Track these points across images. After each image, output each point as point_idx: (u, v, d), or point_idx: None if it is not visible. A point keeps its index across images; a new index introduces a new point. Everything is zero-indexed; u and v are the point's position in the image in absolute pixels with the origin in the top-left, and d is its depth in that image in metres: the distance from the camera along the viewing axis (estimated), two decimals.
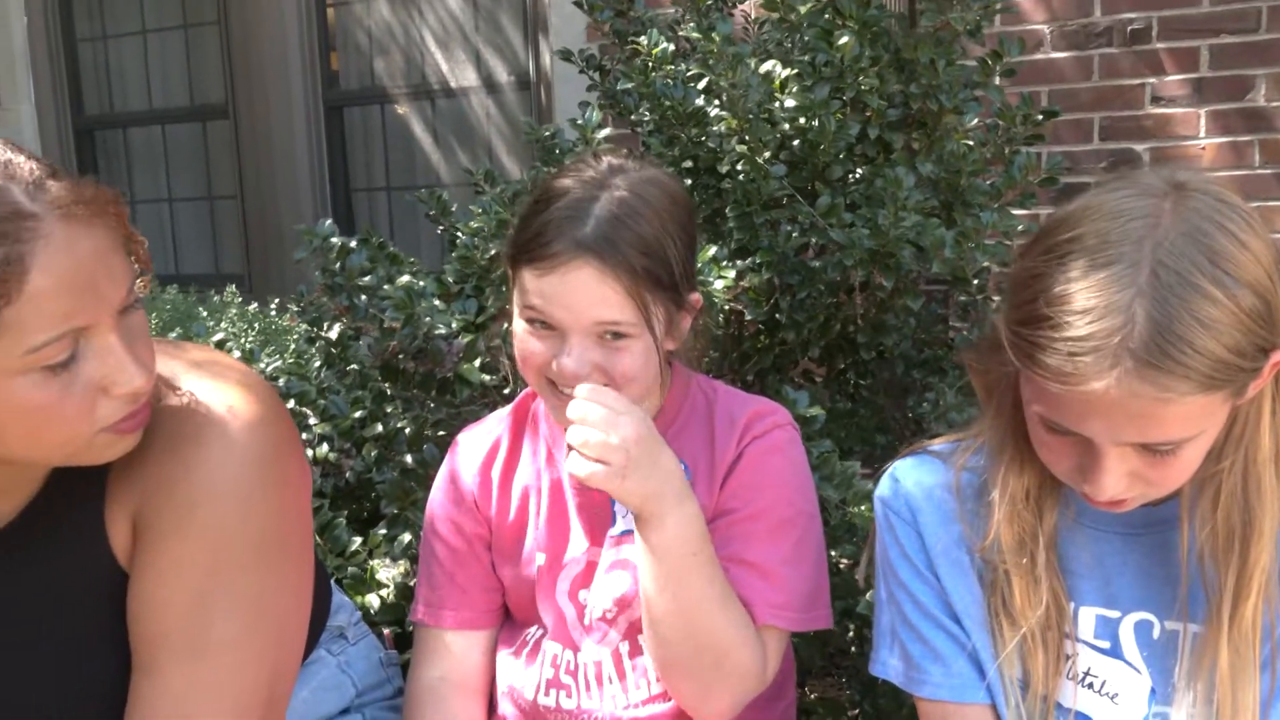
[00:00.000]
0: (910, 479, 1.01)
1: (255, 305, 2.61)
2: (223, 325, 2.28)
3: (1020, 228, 1.64)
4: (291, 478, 0.92)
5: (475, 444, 1.23)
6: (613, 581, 1.15)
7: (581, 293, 1.02)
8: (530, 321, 1.07)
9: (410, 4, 4.12)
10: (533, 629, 1.21)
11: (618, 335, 1.04)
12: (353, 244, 1.56)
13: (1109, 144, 2.77)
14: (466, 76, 4.03)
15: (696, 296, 1.15)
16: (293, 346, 2.24)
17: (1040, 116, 1.79)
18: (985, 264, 1.52)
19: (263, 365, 1.85)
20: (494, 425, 1.25)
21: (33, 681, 0.87)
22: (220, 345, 1.87)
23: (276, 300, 2.85)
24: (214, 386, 0.90)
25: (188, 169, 4.75)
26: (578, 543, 1.17)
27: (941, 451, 1.02)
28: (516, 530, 1.19)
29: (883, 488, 1.03)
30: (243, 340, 2.30)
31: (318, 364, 1.96)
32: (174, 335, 1.85)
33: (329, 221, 1.55)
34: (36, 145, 4.79)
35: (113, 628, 0.87)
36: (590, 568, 1.17)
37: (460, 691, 1.19)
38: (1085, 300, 0.77)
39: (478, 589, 1.20)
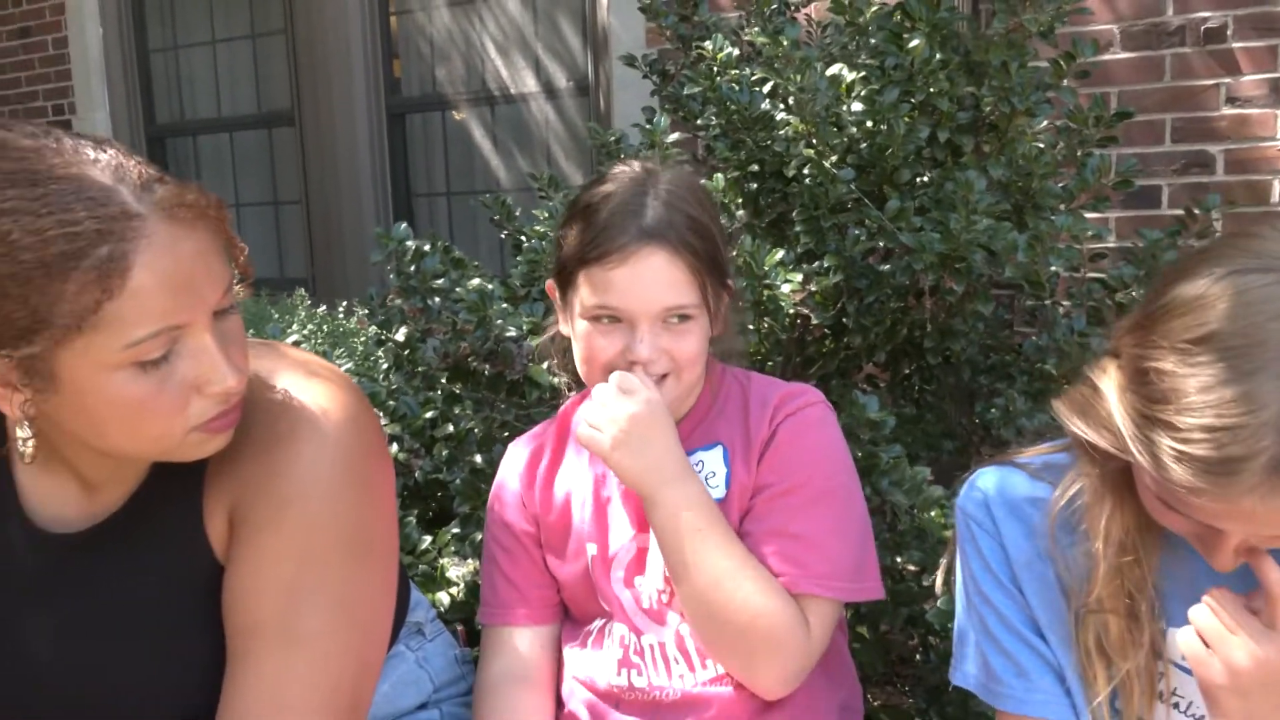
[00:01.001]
0: (993, 489, 0.98)
1: (323, 308, 2.67)
2: (293, 328, 2.33)
3: (1091, 232, 1.62)
4: (378, 477, 0.94)
5: (522, 450, 1.29)
6: (660, 564, 1.17)
7: (652, 279, 1.09)
8: (595, 320, 1.12)
9: (471, 10, 4.18)
10: (597, 621, 1.24)
11: (682, 318, 1.11)
12: (427, 247, 1.60)
13: (1182, 145, 2.71)
14: (526, 82, 4.07)
15: (732, 283, 1.21)
16: (360, 349, 2.28)
17: (1113, 118, 1.76)
18: (1057, 269, 1.50)
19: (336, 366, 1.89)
20: (539, 432, 1.30)
21: (133, 667, 0.90)
22: (296, 346, 1.91)
23: (344, 303, 2.91)
24: (308, 386, 0.93)
25: (254, 175, 4.86)
26: (623, 530, 1.20)
27: (1028, 465, 0.99)
28: (563, 526, 1.23)
29: (964, 497, 1.01)
30: (313, 342, 2.36)
31: (385, 366, 2.00)
32: (251, 334, 1.90)
33: (404, 225, 1.59)
34: None
35: (209, 617, 0.90)
36: (640, 554, 1.20)
37: (524, 686, 1.22)
38: (1228, 415, 0.70)
39: (532, 585, 1.24)
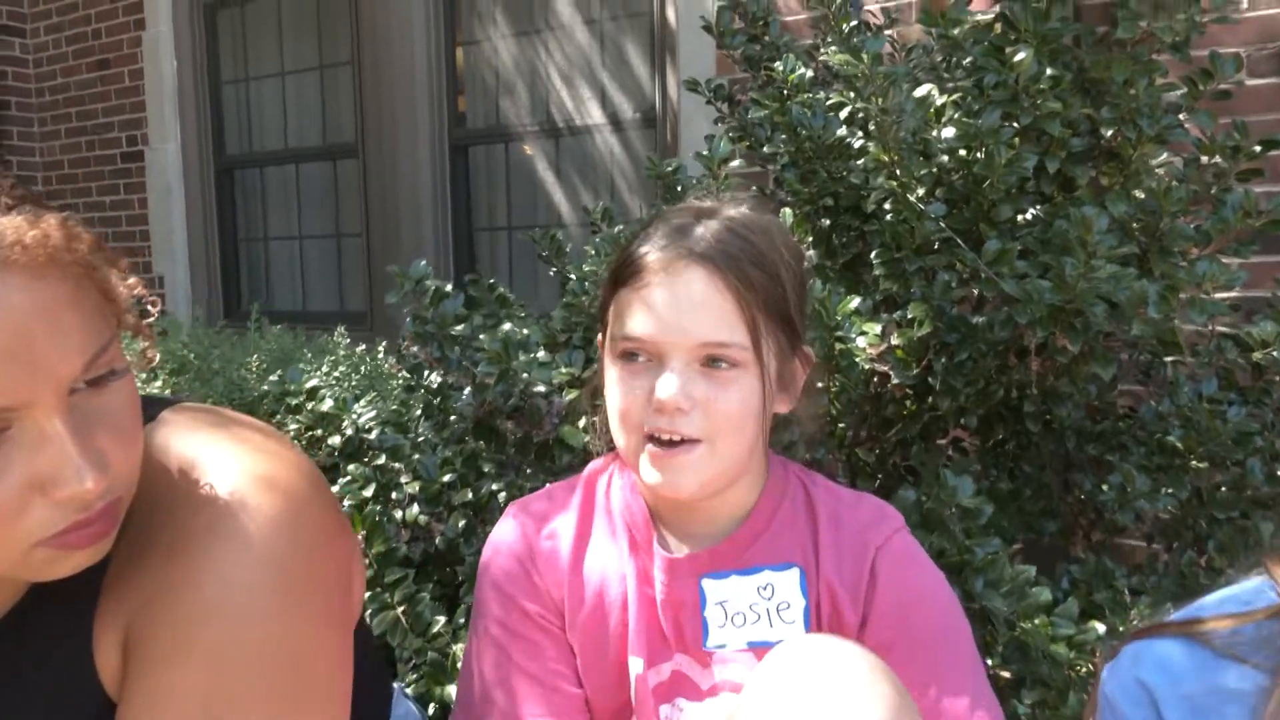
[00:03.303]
0: (1160, 669, 0.70)
1: (363, 346, 2.51)
2: (322, 369, 2.18)
3: (1240, 280, 1.34)
4: (324, 589, 0.73)
5: (534, 518, 1.04)
6: (714, 710, 0.95)
7: (687, 303, 0.90)
8: (626, 358, 0.93)
9: (537, 40, 4.05)
10: None
11: (724, 362, 0.90)
12: (448, 288, 1.40)
13: None
14: (591, 113, 3.91)
15: (810, 351, 1.02)
16: (395, 392, 2.10)
17: (1258, 148, 1.48)
18: (1203, 325, 1.23)
19: (356, 414, 1.71)
20: (556, 497, 1.07)
21: None
22: (313, 392, 1.74)
23: (384, 343, 2.75)
24: (240, 468, 0.72)
25: (318, 207, 4.80)
26: (665, 649, 0.97)
27: (1211, 635, 0.69)
28: (596, 628, 0.99)
29: (1115, 676, 0.73)
30: (346, 384, 2.19)
31: (418, 413, 1.81)
32: (273, 378, 1.73)
33: (423, 262, 1.40)
34: (180, 183, 4.94)
35: None
36: (679, 680, 0.97)
37: None
38: None
39: (566, 686, 0.99)
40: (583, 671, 1.00)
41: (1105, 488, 1.62)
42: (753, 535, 0.97)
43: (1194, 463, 1.61)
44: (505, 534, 1.04)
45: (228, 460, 0.73)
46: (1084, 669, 1.27)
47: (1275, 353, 1.61)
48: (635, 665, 0.98)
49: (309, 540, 0.72)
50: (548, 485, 1.10)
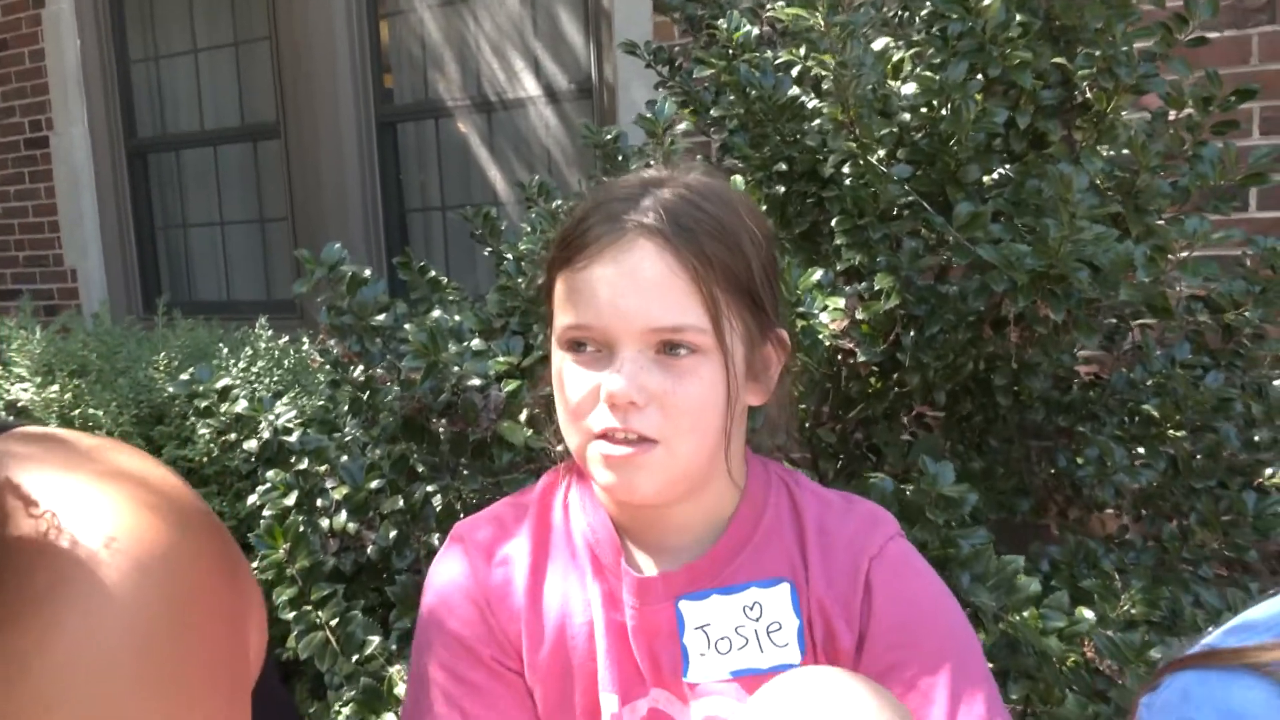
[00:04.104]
0: (1208, 709, 0.57)
1: (285, 338, 2.33)
2: (239, 365, 2.01)
3: (1219, 236, 1.25)
4: (205, 655, 0.59)
5: (480, 544, 0.91)
6: None
7: (636, 283, 0.78)
8: (573, 347, 0.82)
9: (465, 10, 3.86)
10: None
11: (682, 348, 0.79)
12: (366, 273, 1.25)
13: (1272, 138, 2.34)
14: (525, 85, 3.74)
15: (784, 334, 0.89)
16: (322, 388, 1.94)
17: (1233, 99, 1.40)
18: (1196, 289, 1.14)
19: (274, 415, 1.55)
20: (504, 517, 0.93)
21: None
22: (225, 392, 1.58)
23: (310, 334, 2.58)
24: (95, 516, 0.58)
25: (239, 191, 4.56)
26: (640, 683, 0.85)
27: (1274, 667, 0.56)
28: (560, 667, 0.86)
29: (1165, 708, 0.60)
30: (267, 380, 2.03)
31: (346, 408, 1.66)
32: (184, 376, 1.57)
33: (337, 245, 1.24)
34: (89, 170, 4.66)
35: None
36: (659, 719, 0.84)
37: None
38: None
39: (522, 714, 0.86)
40: (546, 718, 0.87)
41: (1080, 461, 1.54)
42: (734, 548, 0.85)
43: (1170, 431, 1.54)
44: (449, 568, 0.90)
45: (83, 502, 0.58)
46: (1074, 659, 1.18)
47: (1248, 313, 1.53)
48: (608, 703, 0.84)
49: (185, 596, 0.58)
50: (495, 504, 0.96)
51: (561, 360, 0.83)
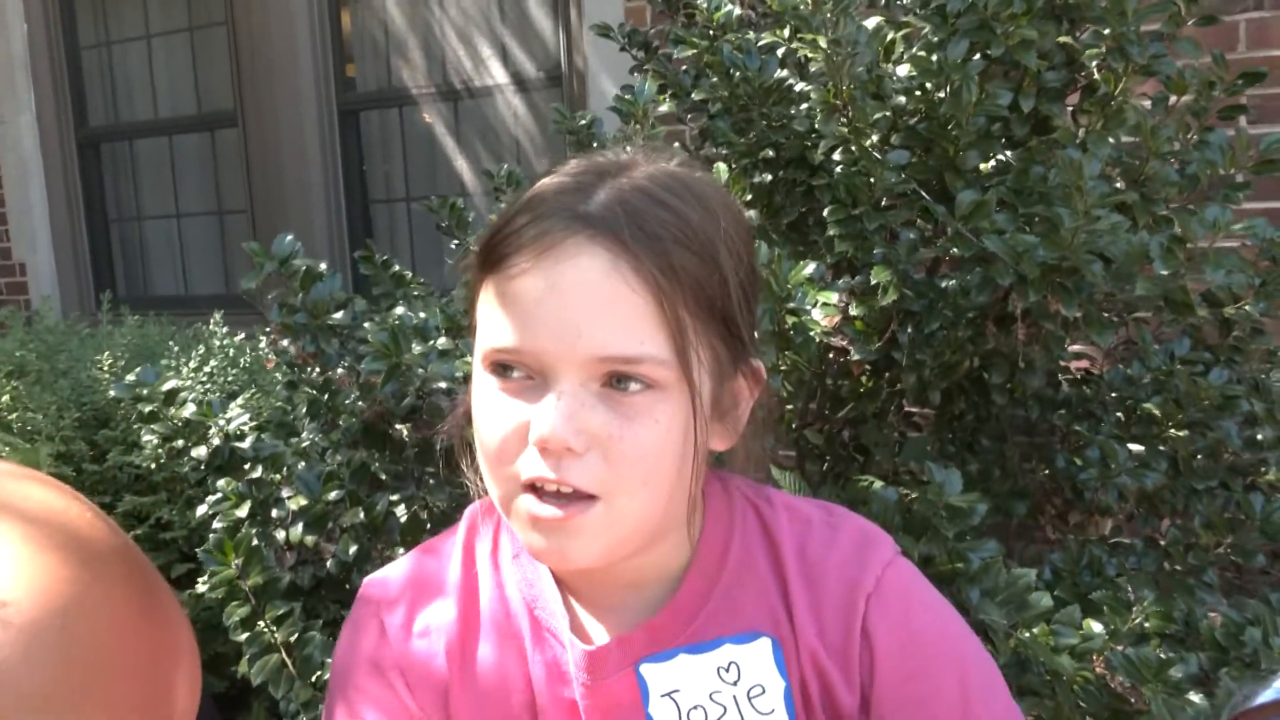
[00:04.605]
0: None
1: (242, 335, 2.22)
2: (190, 364, 1.89)
3: (1241, 227, 1.18)
4: (109, 713, 0.50)
5: (404, 609, 0.75)
6: None
7: (581, 296, 0.62)
8: (498, 370, 0.66)
9: None
10: None
11: (634, 382, 0.63)
12: (321, 268, 1.15)
13: (1261, 128, 2.29)
14: (492, 72, 3.63)
15: (759, 365, 0.73)
16: (280, 389, 1.83)
17: (1240, 82, 1.33)
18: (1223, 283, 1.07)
19: (225, 419, 1.44)
20: (430, 575, 0.77)
21: None
22: (171, 395, 1.47)
23: (265, 332, 2.47)
24: None
25: (197, 182, 4.41)
26: None
27: None
28: None
29: None
30: (221, 380, 1.91)
31: (304, 411, 1.56)
32: (130, 378, 1.46)
33: (289, 238, 1.14)
34: (38, 160, 4.48)
35: None
36: None
37: None
38: None
39: None
40: None
41: (1079, 462, 1.48)
42: (700, 595, 0.72)
43: (1172, 431, 1.47)
44: (359, 639, 0.75)
45: None
46: (1085, 676, 1.11)
47: (1249, 307, 1.47)
48: None
49: (86, 658, 0.48)
50: (410, 555, 0.79)
51: (485, 386, 0.67)
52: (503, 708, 0.72)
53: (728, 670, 0.69)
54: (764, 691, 0.68)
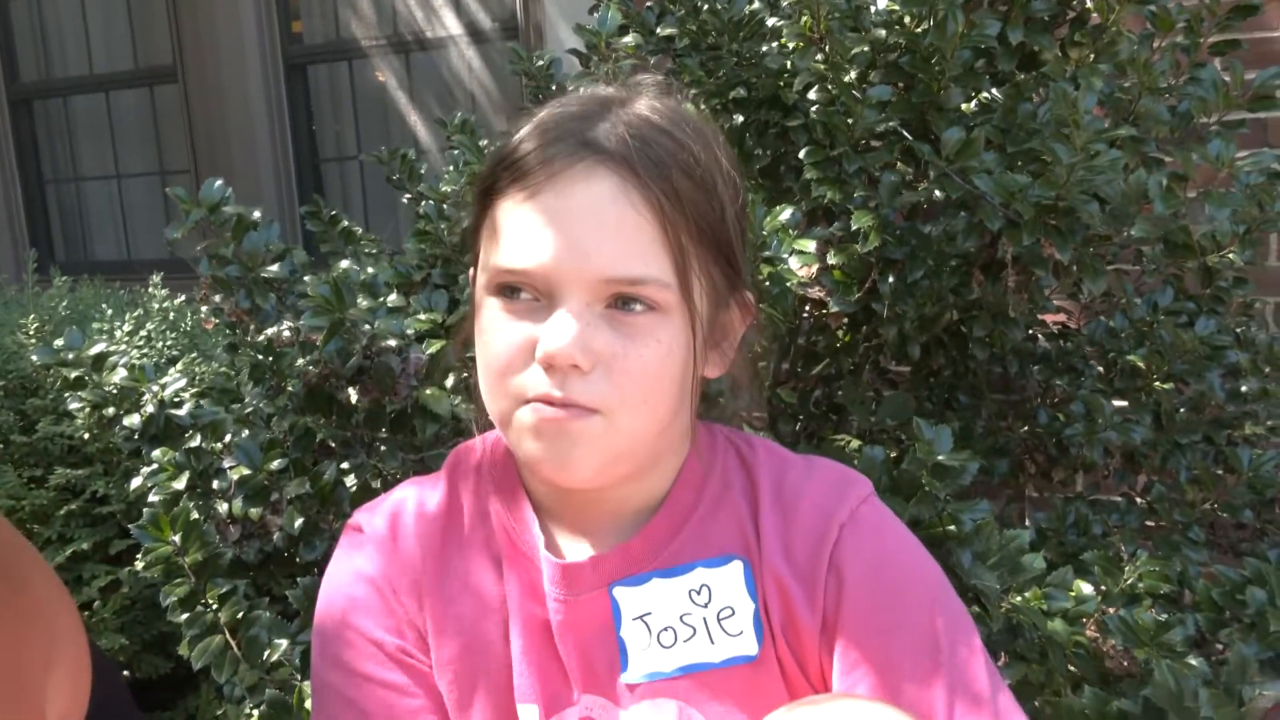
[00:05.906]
0: None
1: (182, 298, 2.10)
2: (124, 328, 1.77)
3: (1245, 161, 1.12)
4: None
5: (387, 530, 0.77)
6: None
7: (589, 220, 0.65)
8: (504, 293, 0.68)
9: None
10: None
11: (638, 304, 0.66)
12: (255, 215, 1.05)
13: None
14: (445, 23, 3.49)
15: (750, 297, 0.76)
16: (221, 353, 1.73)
17: (1231, 14, 1.26)
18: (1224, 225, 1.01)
19: (160, 385, 1.34)
20: (414, 502, 0.79)
21: None
22: (100, 360, 1.36)
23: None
24: None
25: (137, 141, 4.22)
26: (566, 689, 0.73)
27: None
28: (469, 672, 0.73)
29: None
30: (159, 345, 1.80)
31: (246, 375, 1.46)
32: (59, 342, 1.35)
33: (219, 183, 1.04)
34: None
35: None
36: None
37: None
38: None
39: None
40: None
41: (1062, 418, 1.42)
42: (676, 522, 0.73)
43: (1156, 383, 1.43)
44: (347, 558, 0.78)
45: None
46: (1077, 639, 1.06)
47: (1232, 255, 1.42)
48: (527, 716, 0.72)
49: None
50: (397, 487, 0.81)
51: (489, 308, 0.68)
52: (478, 628, 0.73)
53: (699, 592, 0.71)
54: (734, 613, 0.70)
